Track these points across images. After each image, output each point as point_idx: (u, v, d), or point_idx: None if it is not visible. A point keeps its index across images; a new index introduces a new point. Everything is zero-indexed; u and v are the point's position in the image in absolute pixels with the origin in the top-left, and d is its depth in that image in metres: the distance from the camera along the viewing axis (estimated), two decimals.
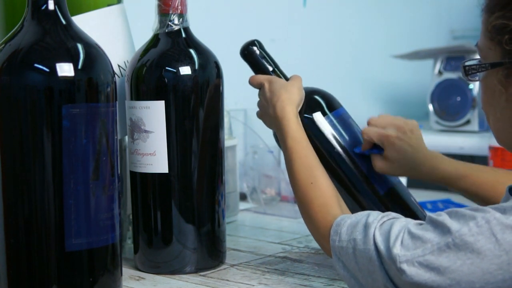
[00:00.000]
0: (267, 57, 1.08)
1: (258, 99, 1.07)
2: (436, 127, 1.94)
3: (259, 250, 1.17)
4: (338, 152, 1.02)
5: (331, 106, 1.05)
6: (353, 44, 2.17)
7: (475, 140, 1.79)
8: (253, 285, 0.98)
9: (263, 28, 1.87)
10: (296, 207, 1.44)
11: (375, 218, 0.84)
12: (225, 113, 1.14)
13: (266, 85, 1.04)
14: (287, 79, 1.06)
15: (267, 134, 1.54)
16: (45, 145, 0.84)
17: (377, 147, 1.04)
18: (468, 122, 1.88)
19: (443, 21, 2.51)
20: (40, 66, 0.84)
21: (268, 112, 1.03)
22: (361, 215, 0.86)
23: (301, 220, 1.39)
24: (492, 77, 0.82)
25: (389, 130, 1.03)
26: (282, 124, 1.00)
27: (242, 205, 1.52)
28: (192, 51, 1.04)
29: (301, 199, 0.96)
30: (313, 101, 1.05)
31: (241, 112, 1.72)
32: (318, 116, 1.03)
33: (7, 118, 0.85)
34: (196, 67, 1.03)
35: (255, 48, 1.08)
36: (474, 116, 1.87)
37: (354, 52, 2.18)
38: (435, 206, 1.55)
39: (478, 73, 0.85)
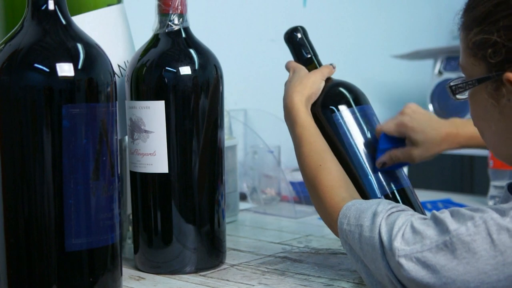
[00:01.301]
0: (307, 45, 1.11)
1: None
2: None
3: (259, 250, 1.17)
4: (353, 146, 1.03)
5: (358, 100, 1.06)
6: (353, 44, 2.17)
7: None
8: (253, 285, 0.98)
9: (263, 28, 1.87)
10: (297, 207, 1.46)
11: (384, 207, 0.85)
12: (225, 113, 1.14)
13: (290, 74, 1.08)
14: None
15: (267, 134, 1.55)
16: (45, 145, 0.84)
17: (395, 143, 1.04)
18: None
19: (443, 21, 2.51)
20: (40, 66, 0.84)
21: (283, 100, 1.05)
22: (372, 202, 0.88)
23: (301, 220, 1.40)
24: (481, 93, 0.82)
25: (400, 117, 1.05)
26: (291, 113, 1.02)
27: (242, 205, 1.52)
28: (192, 51, 1.04)
29: (310, 181, 0.97)
30: (340, 93, 1.06)
31: (241, 112, 1.72)
32: (342, 108, 1.04)
33: (7, 118, 0.85)
34: (196, 67, 1.03)
35: (298, 34, 1.11)
36: None
37: (354, 52, 2.18)
38: (435, 206, 1.55)
39: (465, 91, 0.85)
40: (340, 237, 0.89)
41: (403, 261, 0.78)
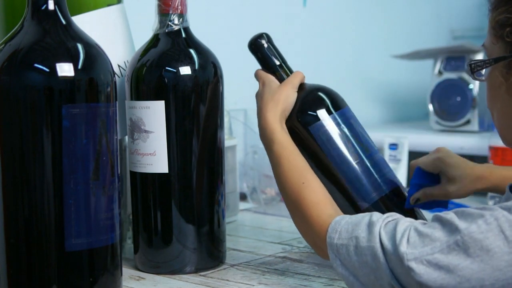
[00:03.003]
0: (274, 52, 1.06)
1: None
2: (436, 127, 1.94)
3: (259, 250, 1.17)
4: (339, 152, 1.00)
5: (335, 105, 1.03)
6: (353, 44, 2.17)
7: (475, 140, 1.79)
8: (253, 285, 0.98)
9: (263, 28, 1.86)
10: None
11: (379, 217, 0.83)
12: (225, 113, 1.14)
13: (260, 87, 1.04)
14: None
15: None
16: (45, 145, 0.84)
17: (429, 179, 1.05)
18: (468, 122, 1.88)
19: (443, 21, 2.51)
20: (40, 66, 0.84)
21: (257, 116, 1.03)
22: (363, 215, 0.86)
23: None
24: (495, 72, 0.83)
25: (436, 154, 1.06)
26: (266, 132, 0.99)
27: (242, 205, 1.52)
28: (192, 51, 1.04)
29: (293, 199, 0.95)
30: (316, 101, 1.02)
31: (241, 112, 1.72)
32: (320, 117, 1.01)
33: (7, 118, 0.85)
34: (196, 67, 1.03)
35: (263, 41, 1.07)
36: (474, 116, 1.87)
37: (354, 52, 2.18)
38: None
39: (483, 70, 0.85)
40: (330, 253, 0.86)
41: (413, 264, 0.76)
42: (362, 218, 0.85)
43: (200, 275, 1.03)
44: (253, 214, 1.50)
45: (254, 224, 1.41)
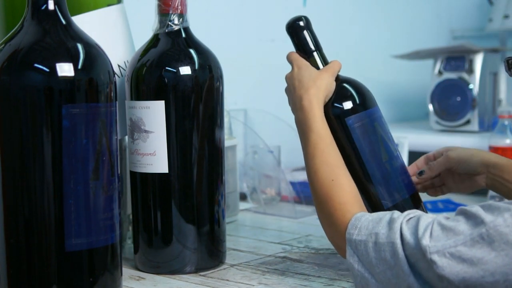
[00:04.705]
0: (311, 37, 1.05)
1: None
2: (436, 127, 1.94)
3: (259, 250, 1.17)
4: (365, 152, 0.99)
5: (369, 103, 1.02)
6: (353, 44, 2.17)
7: (475, 140, 1.79)
8: (253, 285, 0.98)
9: (263, 28, 1.87)
10: (297, 207, 1.45)
11: (400, 214, 0.83)
12: (225, 113, 1.14)
13: (295, 70, 1.02)
14: (327, 63, 1.05)
15: (267, 134, 1.55)
16: (45, 145, 0.84)
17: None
18: (468, 122, 1.88)
19: (443, 21, 2.51)
20: (40, 66, 0.84)
21: (293, 100, 1.01)
22: (384, 213, 0.85)
23: (301, 220, 1.40)
24: None
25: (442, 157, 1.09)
26: (307, 118, 0.97)
27: (242, 205, 1.52)
28: (192, 51, 1.04)
29: (320, 196, 0.93)
30: (351, 96, 1.01)
31: (241, 112, 1.72)
32: (353, 112, 1.00)
33: (7, 118, 0.85)
34: (196, 67, 1.03)
35: (301, 24, 1.05)
36: (474, 116, 1.87)
37: (354, 52, 2.18)
38: (435, 206, 1.55)
39: None
40: (348, 248, 0.85)
41: (435, 257, 0.75)
42: (383, 215, 0.84)
43: (200, 275, 1.03)
44: (253, 214, 1.50)
45: (254, 224, 1.41)
